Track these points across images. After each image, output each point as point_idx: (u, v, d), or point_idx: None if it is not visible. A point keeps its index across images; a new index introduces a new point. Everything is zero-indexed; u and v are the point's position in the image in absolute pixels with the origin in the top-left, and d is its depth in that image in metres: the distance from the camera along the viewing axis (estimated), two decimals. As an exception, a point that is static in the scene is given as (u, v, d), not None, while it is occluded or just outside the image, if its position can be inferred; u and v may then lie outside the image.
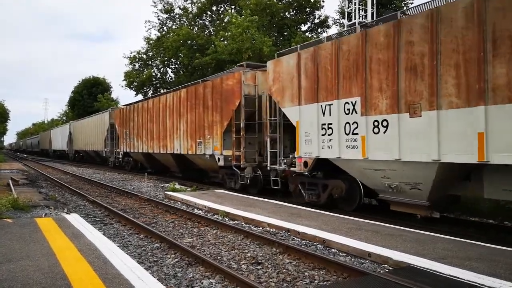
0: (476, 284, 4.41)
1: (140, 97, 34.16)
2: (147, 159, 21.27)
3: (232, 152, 13.08)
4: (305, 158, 10.01)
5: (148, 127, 20.04)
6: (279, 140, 11.39)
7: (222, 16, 30.96)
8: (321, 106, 9.44)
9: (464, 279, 4.54)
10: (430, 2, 7.61)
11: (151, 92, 33.74)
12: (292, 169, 10.69)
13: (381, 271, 5.20)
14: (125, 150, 23.61)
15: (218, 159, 13.64)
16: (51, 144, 48.49)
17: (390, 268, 5.28)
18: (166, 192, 13.21)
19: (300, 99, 10.10)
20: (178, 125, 16.74)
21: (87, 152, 33.28)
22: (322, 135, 9.43)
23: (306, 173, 10.15)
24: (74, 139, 37.01)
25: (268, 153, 11.66)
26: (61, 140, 42.40)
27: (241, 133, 12.82)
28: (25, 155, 65.61)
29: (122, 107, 24.42)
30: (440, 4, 7.30)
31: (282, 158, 11.21)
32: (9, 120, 61.94)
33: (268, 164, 11.67)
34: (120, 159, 24.89)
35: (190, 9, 32.93)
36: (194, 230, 8.07)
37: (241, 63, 14.92)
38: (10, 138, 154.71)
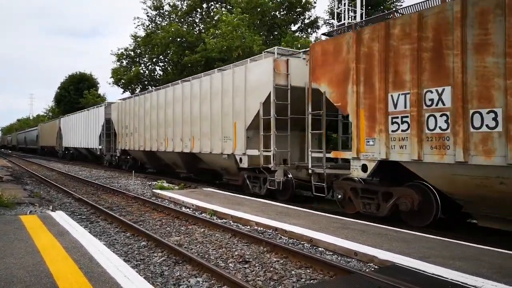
0: (459, 282, 4.49)
1: (128, 94, 33.12)
2: None
3: None
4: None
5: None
6: None
7: (212, 14, 30.85)
8: None
9: (447, 278, 4.62)
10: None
11: (139, 89, 33.12)
12: None
13: (367, 270, 5.26)
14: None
15: None
16: (60, 139, 34.92)
17: (376, 267, 5.34)
18: (153, 190, 13.13)
19: None
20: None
21: (160, 157, 17.97)
22: None
23: None
24: (120, 131, 22.04)
25: None
26: (84, 133, 27.64)
27: None
28: (10, 151, 63.11)
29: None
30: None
31: None
32: (-7, 115, 59.46)
33: None
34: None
35: (179, 6, 32.74)
36: (182, 228, 8.04)
37: None
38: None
